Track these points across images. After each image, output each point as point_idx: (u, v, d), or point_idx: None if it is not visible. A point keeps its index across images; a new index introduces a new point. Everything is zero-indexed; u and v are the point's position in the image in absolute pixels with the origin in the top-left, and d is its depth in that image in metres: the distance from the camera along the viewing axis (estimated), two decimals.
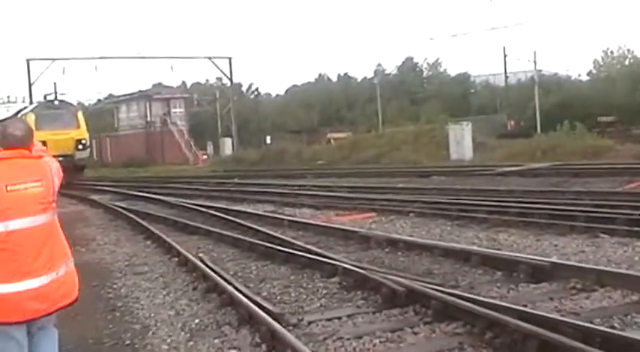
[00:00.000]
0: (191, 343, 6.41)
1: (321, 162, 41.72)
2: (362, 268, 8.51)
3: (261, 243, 11.33)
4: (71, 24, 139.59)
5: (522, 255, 8.92)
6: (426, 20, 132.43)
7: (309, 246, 10.67)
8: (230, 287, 7.89)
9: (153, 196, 23.30)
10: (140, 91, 69.14)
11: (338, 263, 8.94)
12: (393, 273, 8.20)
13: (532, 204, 14.10)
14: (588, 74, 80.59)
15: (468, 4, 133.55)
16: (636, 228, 10.65)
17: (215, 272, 8.95)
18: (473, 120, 43.29)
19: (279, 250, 10.46)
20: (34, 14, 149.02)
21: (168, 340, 6.56)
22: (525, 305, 6.59)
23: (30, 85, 49.54)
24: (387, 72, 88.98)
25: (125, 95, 71.50)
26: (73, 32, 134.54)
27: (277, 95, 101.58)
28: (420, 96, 79.10)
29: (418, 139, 39.86)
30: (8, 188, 4.10)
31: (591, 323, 5.89)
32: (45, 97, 40.29)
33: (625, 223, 11.13)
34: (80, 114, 36.28)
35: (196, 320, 7.16)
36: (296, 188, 23.13)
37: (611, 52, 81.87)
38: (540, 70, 62.87)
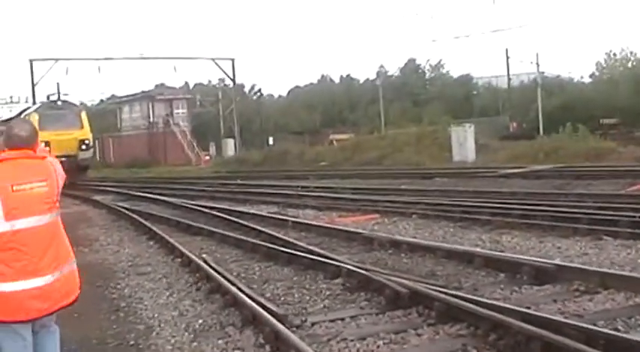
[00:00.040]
0: (195, 343, 6.43)
1: (323, 164, 41.71)
2: (365, 269, 8.53)
3: (264, 244, 11.35)
4: (74, 24, 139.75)
5: (525, 257, 8.94)
6: (428, 22, 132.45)
7: (312, 247, 10.68)
8: (234, 288, 7.91)
9: (156, 197, 23.32)
10: (143, 92, 69.15)
11: (341, 264, 8.96)
12: (397, 275, 8.22)
13: (535, 206, 14.09)
14: (591, 76, 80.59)
15: (470, 5, 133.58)
16: (639, 231, 10.65)
17: (218, 273, 8.97)
18: (475, 122, 43.22)
19: (283, 251, 10.48)
20: (38, 14, 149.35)
21: (172, 340, 6.58)
22: (529, 307, 6.59)
23: (33, 86, 49.60)
24: (389, 73, 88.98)
25: (128, 96, 71.52)
26: (77, 33, 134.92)
27: (280, 96, 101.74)
28: (422, 98, 79.06)
29: (421, 141, 39.82)
30: (14, 188, 4.16)
31: (595, 325, 5.90)
32: (48, 98, 40.36)
33: (628, 225, 11.12)
34: (83, 115, 36.23)
35: (200, 321, 7.18)
36: (299, 189, 23.13)
37: (614, 55, 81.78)
38: (543, 72, 62.95)
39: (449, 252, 9.82)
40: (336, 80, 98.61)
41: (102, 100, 79.01)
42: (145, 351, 6.39)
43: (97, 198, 25.13)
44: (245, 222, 14.35)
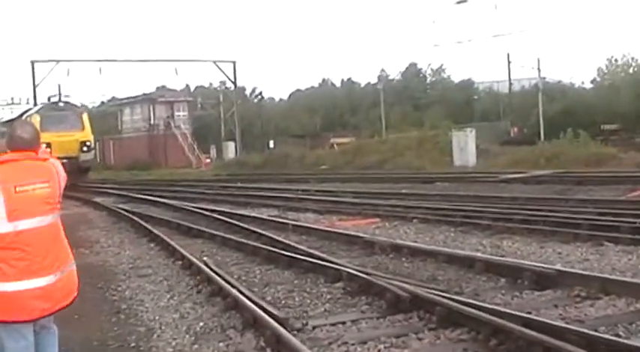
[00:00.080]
0: (196, 346, 6.43)
1: (324, 167, 41.72)
2: (366, 273, 8.52)
3: (265, 247, 11.35)
4: (76, 26, 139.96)
5: (527, 262, 8.93)
6: (430, 27, 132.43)
7: (312, 251, 10.68)
8: (234, 291, 7.92)
9: (156, 199, 23.30)
10: (144, 94, 69.17)
11: (342, 268, 8.95)
12: (398, 279, 8.21)
13: (536, 211, 14.10)
14: (592, 82, 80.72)
15: (472, 10, 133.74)
16: None
17: (219, 275, 8.97)
18: (476, 126, 43.22)
19: (283, 254, 10.48)
20: (39, 16, 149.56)
21: (173, 343, 6.58)
22: (530, 313, 6.59)
23: (34, 87, 49.62)
24: (390, 77, 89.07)
25: (129, 98, 71.55)
26: (78, 34, 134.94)
27: (281, 99, 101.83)
28: (423, 102, 79.13)
29: (422, 145, 39.85)
30: (17, 189, 4.21)
31: (596, 331, 5.90)
32: (49, 99, 40.34)
33: (629, 231, 11.14)
34: (85, 116, 36.20)
35: (201, 324, 7.19)
36: (299, 192, 23.14)
37: (616, 60, 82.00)
38: (544, 78, 62.93)
39: (450, 256, 9.82)
40: (338, 84, 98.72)
41: (103, 102, 79.15)
42: None
43: (98, 199, 25.13)
44: (246, 225, 14.34)
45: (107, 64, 53.42)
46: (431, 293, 7.25)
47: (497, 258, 9.67)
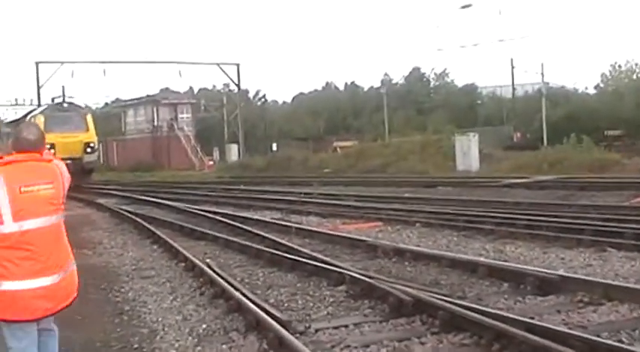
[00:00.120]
0: (199, 348, 6.45)
1: (327, 171, 41.71)
2: (369, 277, 8.54)
3: (268, 249, 11.37)
4: (80, 28, 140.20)
5: (529, 268, 8.94)
6: (433, 31, 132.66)
7: (315, 254, 10.69)
8: (237, 294, 7.93)
9: (159, 201, 23.34)
10: (147, 96, 69.27)
11: (345, 271, 8.96)
12: (400, 283, 8.22)
13: (539, 216, 14.08)
14: (596, 88, 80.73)
15: (476, 15, 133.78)
16: None
17: (222, 278, 8.99)
18: (479, 131, 43.20)
19: (286, 257, 10.49)
20: (44, 17, 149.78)
21: (176, 345, 6.59)
22: (532, 318, 6.59)
23: (38, 88, 49.72)
24: (394, 81, 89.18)
25: (132, 99, 71.67)
26: (82, 36, 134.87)
27: (284, 102, 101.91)
28: (426, 107, 79.15)
29: (425, 149, 39.82)
30: (22, 189, 4.26)
31: (599, 336, 5.89)
32: (53, 100, 40.37)
33: (632, 237, 11.12)
34: (89, 117, 36.23)
35: (204, 326, 7.20)
36: (302, 195, 23.15)
37: (619, 66, 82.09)
38: (547, 83, 62.89)
39: (453, 260, 9.82)
40: (341, 87, 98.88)
41: (106, 104, 79.18)
42: None
43: (101, 201, 25.17)
44: (249, 228, 14.36)
45: (111, 65, 53.58)
46: (434, 297, 7.25)
47: (500, 262, 9.66)
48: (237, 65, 57.11)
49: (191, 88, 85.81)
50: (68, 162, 25.96)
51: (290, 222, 15.93)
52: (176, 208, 20.57)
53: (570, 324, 6.54)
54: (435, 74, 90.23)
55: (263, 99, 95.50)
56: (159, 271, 10.69)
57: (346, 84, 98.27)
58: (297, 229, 14.30)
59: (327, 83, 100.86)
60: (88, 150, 34.80)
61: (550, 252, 10.85)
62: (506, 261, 10.08)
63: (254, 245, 12.01)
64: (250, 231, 13.90)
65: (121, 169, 59.57)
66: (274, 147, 63.97)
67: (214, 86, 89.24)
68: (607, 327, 6.40)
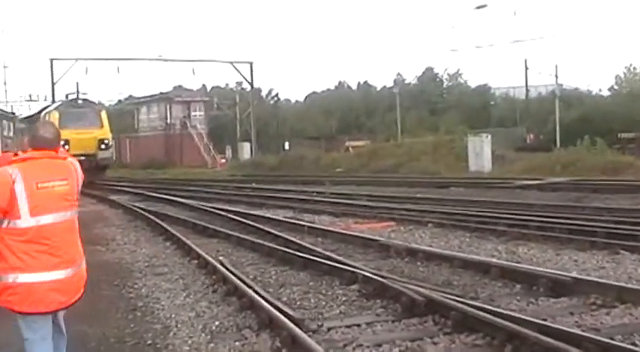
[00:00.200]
0: (212, 345, 6.48)
1: (339, 170, 41.70)
2: (382, 276, 8.55)
3: (280, 248, 11.41)
4: (95, 25, 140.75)
5: (542, 269, 8.93)
6: (447, 31, 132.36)
7: (328, 253, 10.72)
8: (250, 291, 7.96)
9: (172, 198, 23.44)
10: (161, 93, 69.46)
11: (358, 270, 8.98)
12: (413, 283, 8.23)
13: (551, 218, 14.05)
14: (610, 90, 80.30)
15: (491, 16, 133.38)
16: None
17: (235, 275, 9.03)
18: (492, 132, 43.06)
19: (299, 256, 10.52)
20: (59, 15, 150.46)
21: (190, 341, 6.63)
22: (545, 319, 6.59)
23: (53, 84, 49.94)
24: (407, 81, 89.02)
25: (146, 97, 71.86)
26: (97, 33, 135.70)
27: (297, 101, 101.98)
28: (439, 107, 78.96)
29: (437, 150, 39.73)
30: (38, 185, 4.40)
31: (612, 339, 5.89)
32: (67, 97, 40.54)
33: None
34: (104, 114, 36.30)
35: (217, 323, 7.24)
36: (315, 194, 23.18)
37: (634, 68, 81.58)
38: (561, 84, 62.62)
39: (465, 261, 9.83)
40: (354, 87, 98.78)
41: (120, 101, 79.48)
42: (163, 351, 6.45)
43: (114, 197, 25.32)
44: (261, 226, 14.40)
45: (125, 62, 53.87)
46: (446, 297, 7.26)
47: (513, 264, 9.67)
48: (251, 63, 57.24)
49: (204, 85, 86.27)
50: (82, 158, 26.12)
51: (302, 220, 15.97)
52: (188, 206, 20.65)
53: (583, 326, 6.53)
54: (448, 74, 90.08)
55: (276, 98, 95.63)
56: (172, 268, 10.75)
57: (359, 83, 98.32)
58: (309, 228, 14.33)
59: (339, 82, 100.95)
60: (102, 146, 34.87)
61: (563, 253, 10.83)
62: (518, 262, 10.07)
63: (266, 243, 12.06)
64: (262, 229, 13.95)
65: (133, 166, 59.76)
66: (286, 146, 63.98)
67: (227, 84, 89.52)
68: (620, 330, 6.39)
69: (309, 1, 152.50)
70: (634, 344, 5.93)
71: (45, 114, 37.00)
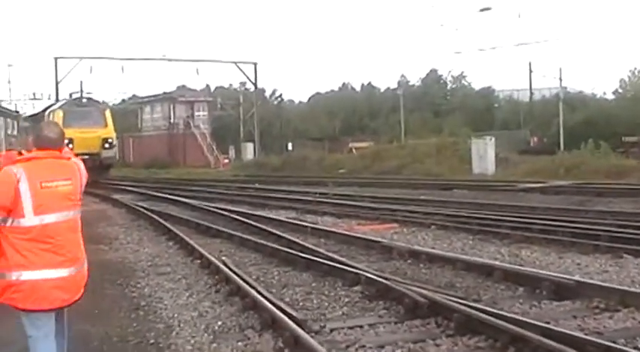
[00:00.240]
0: (214, 345, 6.49)
1: (342, 171, 41.70)
2: (384, 278, 8.55)
3: (283, 248, 11.41)
4: (99, 24, 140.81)
5: (545, 272, 8.92)
6: (451, 33, 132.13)
7: (331, 254, 10.72)
8: (253, 291, 7.97)
9: (175, 198, 23.48)
10: (164, 93, 69.53)
11: (361, 272, 8.98)
12: (416, 284, 8.24)
13: (555, 221, 14.01)
14: (614, 93, 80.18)
15: (495, 18, 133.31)
16: None
17: (238, 275, 9.03)
18: (496, 134, 43.03)
19: (301, 257, 10.53)
20: (63, 13, 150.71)
21: (192, 341, 6.64)
22: (548, 322, 6.59)
23: (57, 83, 49.92)
24: (410, 83, 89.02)
25: (149, 96, 71.94)
26: (101, 32, 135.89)
27: (300, 102, 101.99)
28: (443, 109, 78.92)
29: (441, 152, 39.69)
30: (42, 185, 4.46)
31: (614, 343, 5.88)
32: (71, 96, 40.56)
33: None
34: (108, 113, 36.28)
35: (219, 323, 7.25)
36: (318, 195, 23.18)
37: (639, 72, 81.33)
38: (565, 88, 62.60)
39: (468, 263, 9.82)
40: (358, 88, 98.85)
41: (123, 100, 79.55)
42: (166, 350, 6.45)
43: (117, 196, 25.37)
44: (264, 227, 14.41)
45: (129, 62, 53.75)
46: (449, 299, 7.26)
47: (516, 266, 9.65)
48: (255, 64, 57.24)
49: (208, 86, 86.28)
50: (86, 157, 26.12)
51: (305, 221, 15.97)
52: (191, 205, 20.67)
53: (586, 330, 6.52)
54: (452, 77, 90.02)
55: (279, 99, 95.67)
56: (175, 268, 10.76)
57: (363, 85, 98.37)
58: (312, 229, 14.34)
59: (343, 83, 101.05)
60: (106, 145, 34.86)
61: (566, 257, 10.82)
62: (521, 265, 10.06)
63: (269, 244, 12.07)
64: (265, 230, 13.96)
65: (136, 166, 59.83)
66: (290, 146, 64.01)
67: (231, 85, 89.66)
68: (623, 334, 6.38)
69: (314, 2, 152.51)
70: (637, 347, 5.93)
71: (49, 112, 37.02)
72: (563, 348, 5.49)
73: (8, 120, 39.66)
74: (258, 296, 7.68)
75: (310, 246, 11.59)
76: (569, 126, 51.86)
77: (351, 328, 6.84)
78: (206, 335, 6.82)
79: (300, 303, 8.07)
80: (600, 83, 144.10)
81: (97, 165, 31.41)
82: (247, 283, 8.54)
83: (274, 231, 13.71)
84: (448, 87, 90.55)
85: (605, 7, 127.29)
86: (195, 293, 8.78)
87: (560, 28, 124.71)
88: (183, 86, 75.62)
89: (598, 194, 21.88)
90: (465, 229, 14.02)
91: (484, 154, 35.92)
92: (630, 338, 6.22)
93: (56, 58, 50.69)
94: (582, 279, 8.54)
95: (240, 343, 6.47)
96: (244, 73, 57.47)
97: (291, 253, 10.92)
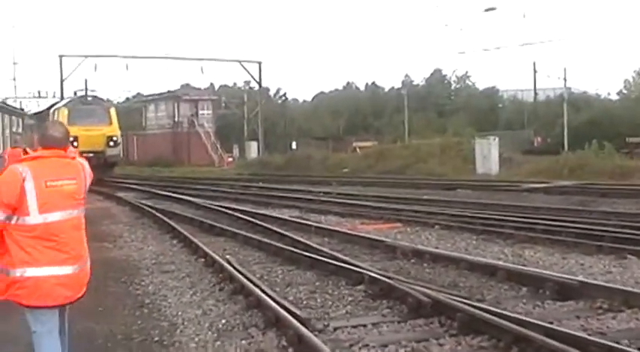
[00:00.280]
0: (218, 343, 6.51)
1: (346, 170, 41.71)
2: (388, 277, 8.56)
3: (287, 247, 11.43)
4: (104, 22, 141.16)
5: (549, 273, 8.92)
6: (456, 33, 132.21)
7: (334, 253, 10.73)
8: (257, 290, 7.99)
9: (179, 196, 23.52)
10: (169, 91, 69.56)
11: (364, 271, 9.00)
12: (419, 284, 8.24)
13: (558, 222, 14.01)
14: (618, 94, 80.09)
15: (500, 18, 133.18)
16: None
17: (242, 274, 9.06)
18: (500, 134, 43.02)
19: (305, 255, 10.54)
20: (68, 11, 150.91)
21: (196, 339, 6.67)
22: (551, 323, 6.59)
23: (62, 81, 49.99)
24: (414, 83, 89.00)
25: (154, 95, 71.99)
26: (106, 30, 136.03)
27: (304, 101, 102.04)
28: (447, 109, 78.95)
29: (445, 152, 39.65)
30: (47, 184, 4.52)
31: (618, 343, 5.88)
32: (75, 93, 40.57)
33: None
34: (113, 111, 36.26)
35: (223, 321, 7.27)
36: (321, 194, 23.19)
37: None
38: (570, 88, 62.53)
39: (471, 263, 9.83)
40: (362, 87, 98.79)
41: (128, 98, 79.63)
42: (170, 348, 6.48)
43: (121, 194, 25.42)
44: (268, 225, 14.43)
45: (134, 60, 53.81)
46: (452, 299, 7.27)
47: (520, 266, 9.66)
48: (259, 63, 57.18)
49: (212, 84, 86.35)
50: (90, 155, 26.08)
51: (309, 220, 15.99)
52: (195, 204, 20.70)
53: (589, 330, 6.53)
54: (457, 76, 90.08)
55: (283, 98, 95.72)
56: (179, 266, 10.79)
57: (367, 84, 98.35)
58: (316, 228, 14.35)
59: (347, 83, 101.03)
60: (111, 143, 34.83)
61: (569, 257, 10.82)
62: (525, 265, 10.07)
63: (273, 242, 12.08)
64: (269, 229, 13.98)
65: (140, 164, 59.84)
66: (294, 145, 64.04)
67: (235, 83, 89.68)
68: (627, 334, 6.39)
69: (318, 2, 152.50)
70: None
71: (54, 110, 37.04)
72: (567, 348, 5.50)
73: (13, 117, 39.76)
74: (262, 295, 7.70)
75: (314, 245, 11.61)
76: (574, 127, 51.81)
77: (354, 327, 6.86)
78: (210, 333, 6.84)
79: (304, 302, 8.09)
80: (604, 84, 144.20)
81: (101, 163, 31.44)
82: (251, 281, 8.56)
83: (278, 229, 13.74)
84: (452, 87, 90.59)
85: (609, 7, 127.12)
86: (200, 292, 8.80)
87: (564, 29, 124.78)
88: (188, 85, 75.69)
89: (602, 194, 21.87)
90: (468, 229, 14.03)
91: (488, 154, 35.91)
92: (634, 339, 6.22)
93: (61, 56, 50.79)
94: (586, 280, 8.54)
95: (244, 341, 6.49)
96: (248, 72, 57.49)
97: (295, 252, 10.94)
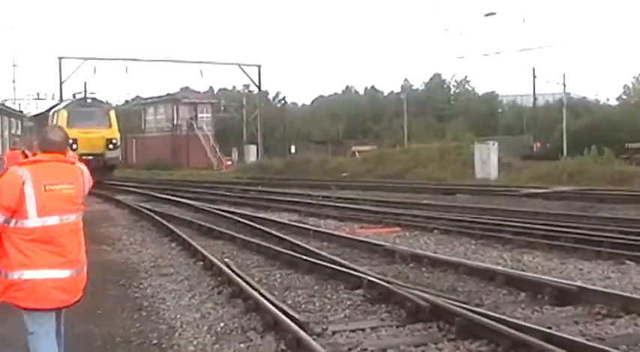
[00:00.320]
0: (217, 346, 6.51)
1: (345, 174, 41.70)
2: (387, 281, 8.56)
3: (285, 251, 11.42)
4: (103, 25, 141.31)
5: (547, 278, 8.92)
6: (455, 38, 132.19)
7: (333, 257, 10.73)
8: (256, 294, 7.98)
9: (177, 199, 23.50)
10: (168, 94, 69.60)
11: (363, 275, 8.99)
12: (418, 288, 8.24)
13: (557, 227, 14.03)
14: (618, 99, 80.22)
15: (500, 23, 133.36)
16: None
17: (240, 277, 9.05)
18: (499, 139, 43.00)
19: (304, 259, 10.54)
20: (68, 14, 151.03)
21: (195, 342, 6.66)
22: (550, 328, 6.58)
23: (61, 83, 50.08)
24: (414, 87, 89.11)
25: (153, 97, 72.02)
26: (105, 33, 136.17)
27: (304, 105, 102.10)
28: (446, 113, 79.05)
29: (443, 156, 39.65)
30: (46, 187, 4.55)
31: (616, 349, 5.89)
32: (74, 96, 40.56)
33: None
34: (112, 114, 36.17)
35: (222, 324, 7.27)
36: (320, 198, 23.19)
37: None
38: (569, 93, 62.57)
39: (470, 268, 9.82)
40: (361, 91, 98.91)
41: (127, 101, 79.65)
42: (168, 351, 6.48)
43: (120, 197, 25.41)
44: (266, 229, 14.43)
45: (133, 63, 53.92)
46: (451, 303, 7.27)
47: (518, 271, 9.66)
48: (259, 66, 57.29)
49: (211, 87, 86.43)
50: (90, 158, 26.06)
51: (308, 224, 15.99)
52: (194, 207, 20.70)
53: (588, 336, 6.52)
54: (456, 81, 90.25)
55: (283, 101, 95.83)
56: (177, 269, 10.78)
57: (366, 88, 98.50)
58: (314, 232, 14.34)
59: (347, 87, 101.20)
60: (110, 146, 34.74)
61: (568, 262, 10.82)
62: (523, 270, 10.07)
63: (272, 246, 12.08)
64: (268, 232, 13.98)
65: (139, 167, 59.82)
66: (293, 149, 64.06)
67: (234, 87, 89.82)
68: (625, 340, 6.38)
69: (318, 5, 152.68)
70: None
71: (53, 112, 37.01)
72: None
73: (12, 119, 39.74)
74: (261, 299, 7.70)
75: (313, 249, 11.61)
76: (573, 132, 51.84)
77: (353, 331, 6.85)
78: (208, 336, 6.84)
79: (303, 306, 8.09)
80: (604, 89, 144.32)
81: (100, 166, 31.37)
82: (250, 285, 8.55)
83: (277, 233, 13.74)
84: (452, 91, 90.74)
85: (609, 13, 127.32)
86: (198, 295, 8.80)
87: (564, 34, 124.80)
88: (187, 88, 75.76)
89: (601, 200, 21.88)
90: (467, 234, 14.02)
91: (487, 159, 35.90)
92: (632, 345, 6.22)
93: (60, 59, 50.88)
94: (584, 285, 8.54)
95: (242, 345, 6.49)
96: (248, 75, 57.61)
97: (294, 256, 10.94)
